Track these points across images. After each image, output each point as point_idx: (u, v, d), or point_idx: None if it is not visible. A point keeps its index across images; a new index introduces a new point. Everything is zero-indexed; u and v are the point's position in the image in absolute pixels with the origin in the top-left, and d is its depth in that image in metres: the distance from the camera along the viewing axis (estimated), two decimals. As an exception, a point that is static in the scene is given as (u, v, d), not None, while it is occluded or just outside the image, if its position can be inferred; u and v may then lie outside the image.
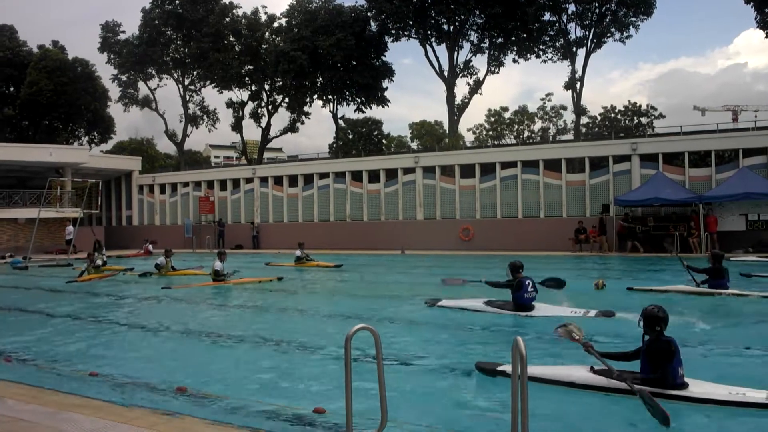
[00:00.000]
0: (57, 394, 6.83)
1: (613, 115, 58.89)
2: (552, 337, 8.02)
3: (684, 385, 6.22)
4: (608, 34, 43.13)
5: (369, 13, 47.02)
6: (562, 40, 44.46)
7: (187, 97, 55.72)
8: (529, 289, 11.06)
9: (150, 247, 33.97)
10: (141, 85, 56.53)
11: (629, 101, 62.69)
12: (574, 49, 44.04)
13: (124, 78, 55.46)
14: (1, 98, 58.26)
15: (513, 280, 11.30)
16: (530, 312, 11.14)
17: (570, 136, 54.54)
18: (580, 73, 44.17)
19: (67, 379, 7.73)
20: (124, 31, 54.84)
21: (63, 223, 37.01)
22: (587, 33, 43.17)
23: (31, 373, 8.09)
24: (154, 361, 8.80)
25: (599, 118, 59.01)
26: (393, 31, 47.32)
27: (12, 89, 57.32)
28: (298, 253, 24.67)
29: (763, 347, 8.59)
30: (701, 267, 14.03)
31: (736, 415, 5.79)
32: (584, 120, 53.45)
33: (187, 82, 55.47)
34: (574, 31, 43.87)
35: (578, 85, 44.37)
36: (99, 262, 24.00)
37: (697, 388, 6.18)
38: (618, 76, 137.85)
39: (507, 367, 6.62)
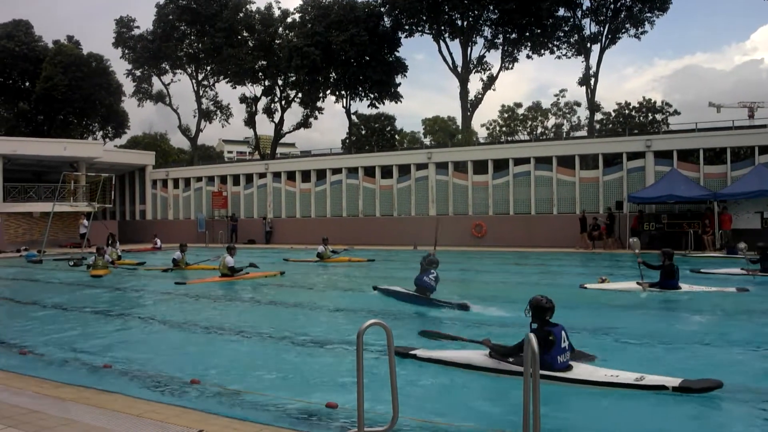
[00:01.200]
0: (69, 386, 6.89)
1: (627, 111, 58.33)
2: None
3: (568, 368, 6.66)
4: (623, 30, 42.96)
5: (382, 9, 47.04)
6: (576, 35, 44.29)
7: (201, 92, 55.94)
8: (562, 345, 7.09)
9: (158, 241, 34.12)
10: (155, 80, 56.91)
11: (644, 98, 62.08)
12: (589, 44, 43.85)
13: (138, 73, 55.75)
14: (16, 93, 58.69)
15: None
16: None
17: (584, 133, 54.34)
18: (594, 69, 44.05)
19: (80, 371, 7.80)
20: (138, 27, 55.22)
21: (77, 217, 37.22)
22: (602, 29, 43.01)
23: (45, 365, 8.17)
24: (166, 355, 8.84)
25: (613, 114, 58.46)
26: (406, 27, 47.36)
27: (27, 84, 57.72)
28: (320, 248, 24.70)
29: (672, 339, 9.25)
30: (656, 264, 14.17)
31: (609, 394, 6.33)
32: (598, 116, 53.08)
33: (200, 77, 55.66)
34: (589, 26, 43.78)
35: (592, 81, 44.24)
36: (114, 256, 24.20)
37: (579, 370, 6.65)
38: (632, 72, 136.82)
39: (419, 351, 7.87)
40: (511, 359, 6.81)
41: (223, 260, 18.23)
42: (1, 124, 61.41)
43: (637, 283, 14.09)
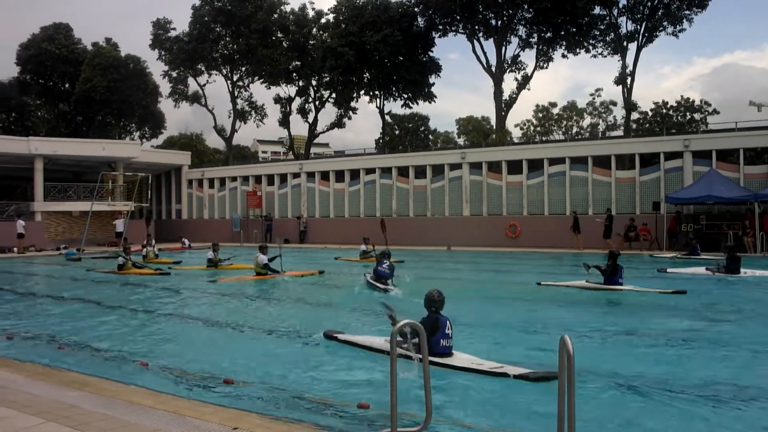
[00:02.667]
0: (106, 382, 6.99)
1: (664, 110, 57.57)
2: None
3: (449, 354, 7.67)
4: (660, 28, 42.27)
5: (416, 9, 46.99)
6: (612, 34, 43.72)
7: (236, 93, 56.43)
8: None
9: (186, 241, 34.39)
10: (191, 81, 57.56)
11: (681, 97, 61.15)
12: (625, 43, 43.27)
13: (174, 74, 56.43)
14: (57, 95, 60.04)
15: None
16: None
17: (620, 132, 53.65)
18: (630, 68, 43.38)
19: (117, 367, 7.91)
20: (174, 28, 55.95)
21: (114, 216, 37.82)
22: (638, 27, 42.34)
23: (82, 361, 8.31)
24: (200, 352, 8.92)
25: (650, 114, 57.74)
26: (440, 27, 47.26)
27: (67, 86, 59.00)
28: (363, 247, 24.86)
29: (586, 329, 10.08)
30: (604, 264, 15.05)
31: (476, 378, 7.09)
32: (635, 116, 52.41)
33: (235, 77, 56.17)
34: (625, 25, 43.15)
35: (629, 80, 43.57)
36: (151, 255, 24.55)
37: (456, 357, 7.57)
38: (670, 70, 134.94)
39: (348, 336, 9.09)
40: (404, 345, 7.37)
41: (256, 259, 18.39)
42: (42, 125, 62.82)
43: (586, 281, 15.13)
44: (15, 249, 31.98)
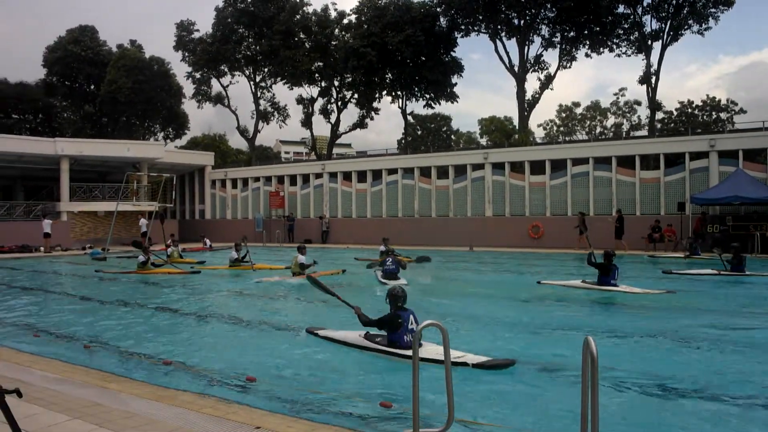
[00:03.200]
0: (130, 380, 7.05)
1: (690, 110, 57.09)
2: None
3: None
4: (686, 26, 41.79)
5: (438, 9, 46.88)
6: (636, 33, 43.32)
7: (259, 94, 56.71)
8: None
9: (207, 241, 34.55)
10: (214, 82, 57.84)
11: (707, 96, 60.58)
12: (650, 42, 42.82)
13: (197, 75, 56.79)
14: (82, 96, 60.82)
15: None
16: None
17: (644, 132, 53.18)
18: (655, 66, 42.98)
19: (141, 366, 7.98)
20: (198, 30, 56.34)
21: (138, 216, 38.18)
22: (663, 25, 41.90)
23: (107, 359, 8.39)
24: (224, 351, 8.96)
25: (675, 113, 57.27)
26: (462, 27, 47.10)
27: (93, 87, 59.74)
28: (382, 248, 24.81)
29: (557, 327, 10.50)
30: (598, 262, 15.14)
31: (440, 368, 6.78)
32: (659, 115, 51.88)
33: (258, 78, 56.44)
34: (650, 23, 42.69)
35: (653, 79, 43.17)
36: (175, 255, 24.75)
37: (425, 348, 7.71)
38: (695, 69, 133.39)
39: (328, 332, 9.46)
40: (378, 338, 8.30)
41: (295, 259, 18.48)
42: (68, 126, 63.67)
43: (582, 281, 15.40)
44: (42, 248, 32.40)
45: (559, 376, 7.42)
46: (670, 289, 14.41)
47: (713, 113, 55.93)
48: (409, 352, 7.31)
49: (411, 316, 8.11)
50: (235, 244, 22.55)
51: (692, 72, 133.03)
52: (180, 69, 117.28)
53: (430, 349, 7.70)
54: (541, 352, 8.55)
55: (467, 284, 17.67)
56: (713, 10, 40.75)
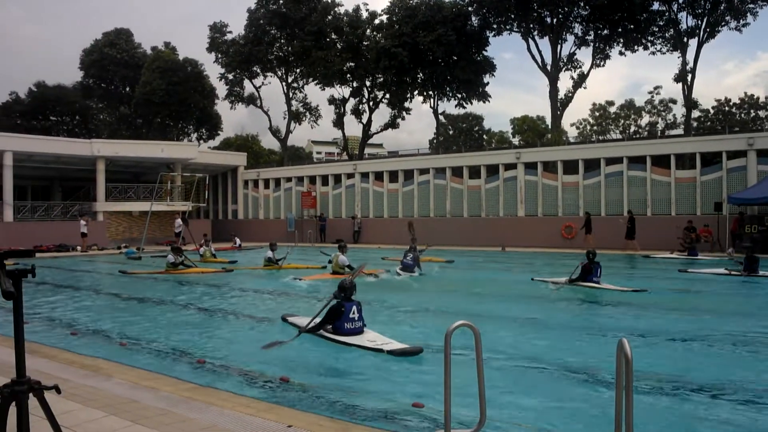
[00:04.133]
0: (165, 377, 7.14)
1: (727, 108, 56.15)
2: None
3: (356, 333, 9.07)
4: (723, 23, 41.06)
5: (470, 8, 46.73)
6: (672, 30, 42.68)
7: (291, 94, 57.02)
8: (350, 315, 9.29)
9: (237, 240, 34.73)
10: (246, 83, 58.26)
11: (745, 93, 59.48)
12: (685, 39, 42.18)
13: (230, 77, 57.23)
14: (118, 98, 61.82)
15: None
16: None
17: (680, 131, 52.36)
18: (691, 64, 42.29)
19: (176, 363, 8.08)
20: (230, 32, 56.78)
21: (173, 216, 38.62)
22: (699, 22, 41.22)
23: (142, 356, 8.51)
24: (256, 351, 9.01)
25: (712, 111, 56.38)
26: (494, 26, 46.94)
27: (128, 89, 60.65)
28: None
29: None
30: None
31: (366, 353, 8.47)
32: (695, 114, 51.14)
33: (290, 79, 56.73)
34: (686, 20, 42.04)
35: (689, 77, 42.46)
36: (208, 255, 25.00)
37: (365, 336, 9.00)
38: (733, 66, 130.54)
39: (294, 319, 10.53)
40: (328, 325, 9.26)
41: (336, 258, 18.61)
42: (104, 127, 64.79)
43: (569, 278, 15.80)
44: (79, 248, 32.96)
45: (553, 372, 7.58)
46: (643, 288, 14.92)
47: (751, 111, 54.93)
48: (349, 339, 8.90)
49: (354, 307, 9.18)
50: (270, 244, 22.73)
51: (729, 69, 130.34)
52: (213, 70, 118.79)
53: (367, 337, 8.97)
54: (528, 347, 8.94)
55: (473, 283, 17.88)
56: (751, 5, 40.02)
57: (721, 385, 6.80)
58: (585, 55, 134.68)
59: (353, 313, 9.13)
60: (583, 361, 8.07)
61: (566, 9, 43.63)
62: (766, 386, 6.84)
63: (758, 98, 55.14)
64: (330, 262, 19.42)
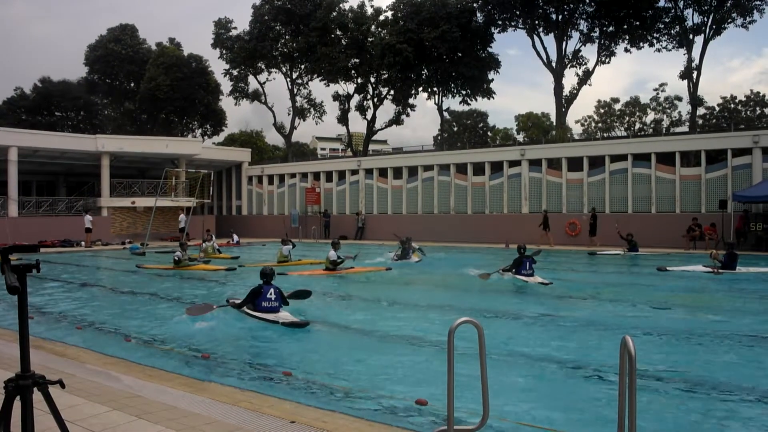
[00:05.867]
0: (169, 374, 7.16)
1: (732, 105, 55.87)
2: None
3: (272, 311, 10.48)
4: (729, 20, 40.83)
5: (475, 4, 46.63)
6: (677, 27, 42.51)
7: (295, 91, 57.08)
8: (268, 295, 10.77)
9: (235, 236, 34.67)
10: (251, 79, 58.38)
11: (751, 91, 59.31)
12: (691, 36, 42.00)
13: (235, 72, 57.32)
14: (122, 93, 61.93)
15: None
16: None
17: (685, 128, 52.18)
18: (697, 61, 42.12)
19: (179, 360, 8.11)
20: (235, 28, 56.86)
21: (177, 212, 38.68)
22: (705, 19, 41.03)
23: (147, 353, 8.55)
24: (260, 346, 9.05)
25: (717, 109, 56.11)
26: (499, 22, 46.79)
27: (132, 85, 60.76)
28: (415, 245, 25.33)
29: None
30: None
31: (270, 325, 10.18)
32: (701, 111, 50.91)
33: (294, 75, 56.80)
34: (691, 17, 41.81)
35: (695, 74, 42.32)
36: (210, 251, 24.99)
37: (278, 314, 10.46)
38: (739, 64, 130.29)
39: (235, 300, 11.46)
40: (249, 303, 10.76)
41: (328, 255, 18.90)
42: (109, 123, 64.90)
43: (501, 270, 16.76)
44: (83, 243, 33.02)
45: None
46: (548, 281, 15.73)
47: (757, 109, 54.70)
48: (265, 315, 10.42)
49: (272, 289, 10.66)
50: (282, 240, 22.83)
51: (735, 66, 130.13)
52: (218, 66, 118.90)
53: (282, 315, 10.46)
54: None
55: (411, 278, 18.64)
56: (758, 2, 39.79)
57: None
58: (590, 52, 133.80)
59: (270, 294, 10.61)
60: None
61: (572, 5, 43.49)
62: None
63: (764, 95, 54.87)
64: (355, 258, 19.86)
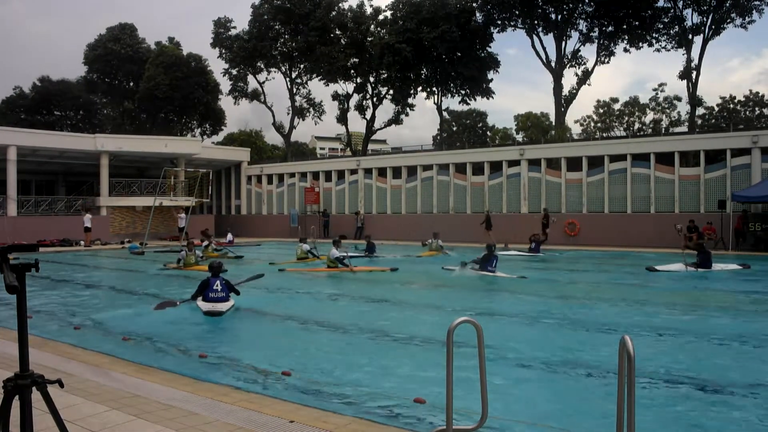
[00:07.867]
0: (167, 373, 7.16)
1: (732, 105, 55.94)
2: None
3: (220, 301, 11.49)
4: (728, 20, 40.90)
5: (474, 4, 46.68)
6: (677, 27, 42.56)
7: (294, 90, 57.06)
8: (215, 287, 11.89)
9: (230, 236, 34.56)
10: (250, 78, 58.36)
11: (750, 91, 59.38)
12: (690, 36, 42.05)
13: (234, 72, 57.29)
14: (122, 93, 61.90)
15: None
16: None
17: (684, 128, 52.22)
18: (696, 61, 42.21)
19: (178, 359, 8.10)
20: (234, 27, 56.81)
21: (177, 211, 38.63)
22: (704, 19, 41.09)
23: (145, 352, 8.55)
24: (259, 346, 9.04)
25: (716, 109, 56.17)
26: (498, 22, 46.85)
27: (132, 84, 60.73)
28: (429, 241, 25.85)
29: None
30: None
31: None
32: (700, 111, 50.93)
33: (294, 75, 56.79)
34: (691, 17, 41.90)
35: (694, 74, 42.38)
36: (209, 250, 24.96)
37: (221, 305, 11.39)
38: (738, 64, 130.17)
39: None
40: (199, 296, 11.77)
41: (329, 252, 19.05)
42: (108, 122, 64.88)
43: (471, 266, 17.99)
44: (82, 242, 32.98)
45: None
46: (522, 275, 17.10)
47: (756, 109, 54.75)
48: (209, 305, 11.31)
49: (218, 281, 11.68)
50: (300, 239, 23.03)
51: (734, 66, 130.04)
52: (217, 66, 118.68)
53: (229, 304, 11.58)
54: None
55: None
56: (757, 2, 39.87)
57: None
58: (589, 52, 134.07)
59: (217, 285, 11.63)
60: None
61: (571, 5, 43.53)
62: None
63: (763, 96, 54.93)
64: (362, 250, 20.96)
